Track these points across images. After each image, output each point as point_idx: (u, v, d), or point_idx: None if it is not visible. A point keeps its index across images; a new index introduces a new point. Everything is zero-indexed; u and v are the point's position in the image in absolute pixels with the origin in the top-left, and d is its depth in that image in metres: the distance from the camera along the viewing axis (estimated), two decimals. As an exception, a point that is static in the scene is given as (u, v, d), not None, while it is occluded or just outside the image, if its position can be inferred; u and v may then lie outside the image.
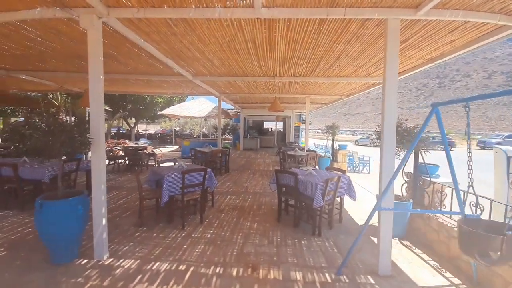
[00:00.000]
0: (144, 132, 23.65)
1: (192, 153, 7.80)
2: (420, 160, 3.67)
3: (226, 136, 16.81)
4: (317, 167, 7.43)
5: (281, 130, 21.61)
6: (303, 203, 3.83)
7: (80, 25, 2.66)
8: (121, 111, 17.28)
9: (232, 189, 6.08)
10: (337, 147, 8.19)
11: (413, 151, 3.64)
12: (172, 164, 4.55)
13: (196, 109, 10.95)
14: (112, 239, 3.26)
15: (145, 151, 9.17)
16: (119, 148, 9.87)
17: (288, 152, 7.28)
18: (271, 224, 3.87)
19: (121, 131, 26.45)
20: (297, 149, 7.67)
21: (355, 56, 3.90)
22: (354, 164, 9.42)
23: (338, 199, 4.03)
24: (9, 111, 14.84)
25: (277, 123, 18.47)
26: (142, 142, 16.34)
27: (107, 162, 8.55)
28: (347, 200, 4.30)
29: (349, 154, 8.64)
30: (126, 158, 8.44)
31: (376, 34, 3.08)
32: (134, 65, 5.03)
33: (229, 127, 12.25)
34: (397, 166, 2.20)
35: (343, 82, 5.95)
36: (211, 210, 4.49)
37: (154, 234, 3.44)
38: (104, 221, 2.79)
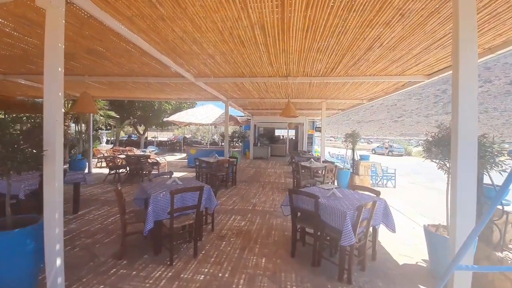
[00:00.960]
0: (153, 139, 23.53)
1: (197, 163, 7.13)
2: (486, 180, 2.73)
3: (236, 144, 16.16)
4: (335, 182, 6.49)
5: (293, 138, 20.70)
6: (325, 234, 2.96)
7: (36, 3, 2.06)
8: (131, 118, 17.19)
9: (238, 206, 5.28)
10: (358, 157, 7.22)
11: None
12: (168, 177, 3.83)
13: (204, 115, 10.39)
14: (80, 278, 2.55)
15: (148, 160, 8.61)
16: (123, 156, 9.41)
17: (303, 163, 6.42)
18: (284, 261, 3.02)
19: (132, 138, 26.61)
20: (312, 159, 6.79)
21: (392, 45, 3.07)
22: (377, 177, 8.36)
23: (371, 229, 3.13)
24: (24, 118, 15.03)
25: (289, 130, 17.62)
26: (150, 150, 16.02)
27: (107, 171, 8.13)
28: (381, 229, 3.38)
29: (372, 165, 7.64)
30: (127, 168, 7.92)
31: (428, 9, 2.26)
32: (129, 66, 4.46)
33: (237, 135, 11.56)
34: (492, 203, 1.33)
35: (369, 83, 5.08)
36: (210, 236, 3.71)
37: (134, 272, 2.69)
38: (58, 261, 2.09)
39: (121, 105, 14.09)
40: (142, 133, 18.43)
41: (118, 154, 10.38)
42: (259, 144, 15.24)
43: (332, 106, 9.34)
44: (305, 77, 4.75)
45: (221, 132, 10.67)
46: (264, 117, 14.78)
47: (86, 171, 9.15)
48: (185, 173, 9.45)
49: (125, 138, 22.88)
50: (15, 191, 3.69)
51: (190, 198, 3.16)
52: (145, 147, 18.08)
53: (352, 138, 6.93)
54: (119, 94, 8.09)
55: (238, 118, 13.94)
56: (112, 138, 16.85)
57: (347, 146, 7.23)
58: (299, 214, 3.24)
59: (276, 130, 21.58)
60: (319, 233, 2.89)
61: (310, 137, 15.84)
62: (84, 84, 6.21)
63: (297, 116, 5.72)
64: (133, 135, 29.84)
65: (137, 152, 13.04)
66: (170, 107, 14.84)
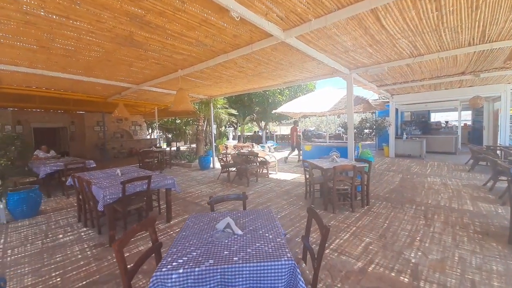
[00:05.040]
0: (273, 133, 23.96)
1: (306, 166, 5.06)
2: None
3: (369, 137, 12.24)
4: None
5: (469, 124, 13.21)
6: None
7: None
8: (254, 114, 17.94)
9: (376, 263, 2.67)
10: None
11: None
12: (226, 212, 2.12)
13: (318, 102, 8.02)
14: None
15: (257, 158, 7.63)
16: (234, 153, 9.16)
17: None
18: None
19: (259, 133, 28.82)
20: None
21: None
22: None
23: None
24: (190, 120, 19.62)
25: (463, 112, 11.04)
26: (269, 145, 15.83)
27: (220, 168, 7.98)
28: None
29: None
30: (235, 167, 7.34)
31: None
32: (193, 35, 3.14)
33: (368, 124, 8.12)
34: None
35: None
36: None
37: None
38: None
39: (242, 103, 14.69)
40: (263, 128, 18.90)
41: (237, 150, 10.50)
42: (404, 135, 10.54)
43: None
44: None
45: (343, 122, 7.83)
46: (413, 96, 9.86)
47: (211, 166, 9.72)
48: (298, 175, 7.65)
49: (250, 134, 24.90)
50: (98, 199, 3.46)
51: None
52: (266, 141, 18.38)
53: None
54: (227, 89, 7.59)
55: (370, 101, 10.17)
56: (238, 135, 18.44)
57: None
58: None
59: (432, 114, 14.77)
60: None
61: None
62: (189, 82, 5.95)
63: None
64: (260, 131, 32.51)
65: (256, 147, 13.03)
66: (284, 98, 13.66)
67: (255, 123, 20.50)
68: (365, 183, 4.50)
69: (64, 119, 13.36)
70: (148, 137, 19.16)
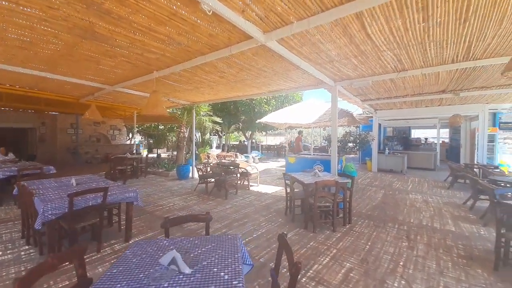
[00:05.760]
0: (259, 143, 23.70)
1: (287, 181, 4.76)
2: None
3: (353, 151, 12.32)
4: None
5: (447, 141, 13.70)
6: None
7: None
8: (240, 123, 17.64)
9: (354, 295, 2.36)
10: None
11: None
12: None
13: (303, 113, 7.91)
14: None
15: (238, 169, 7.25)
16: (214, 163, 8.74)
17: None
18: None
19: (245, 143, 28.44)
20: None
21: None
22: None
23: None
24: (174, 127, 18.84)
25: (441, 129, 11.42)
26: (253, 155, 15.49)
27: (198, 178, 7.49)
28: None
29: None
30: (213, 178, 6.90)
31: None
32: (163, 30, 2.84)
33: (352, 138, 8.06)
34: None
35: None
36: None
37: None
38: None
39: (227, 111, 14.39)
40: (248, 137, 18.61)
41: (219, 160, 10.05)
42: (387, 150, 10.65)
43: None
44: None
45: (327, 135, 7.70)
46: (396, 112, 10.06)
47: (190, 175, 9.20)
48: (280, 187, 7.34)
49: (236, 143, 24.51)
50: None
51: None
52: (251, 151, 18.03)
53: None
54: (209, 96, 7.26)
55: (355, 115, 10.25)
56: (223, 143, 17.98)
57: None
58: None
59: (413, 131, 15.26)
60: None
61: (491, 139, 9.22)
62: (167, 85, 5.58)
63: None
64: (246, 140, 32.12)
65: (240, 157, 12.63)
66: (270, 108, 13.55)
67: (241, 132, 20.18)
68: (348, 199, 4.26)
69: (34, 120, 12.33)
70: (128, 142, 18.22)
